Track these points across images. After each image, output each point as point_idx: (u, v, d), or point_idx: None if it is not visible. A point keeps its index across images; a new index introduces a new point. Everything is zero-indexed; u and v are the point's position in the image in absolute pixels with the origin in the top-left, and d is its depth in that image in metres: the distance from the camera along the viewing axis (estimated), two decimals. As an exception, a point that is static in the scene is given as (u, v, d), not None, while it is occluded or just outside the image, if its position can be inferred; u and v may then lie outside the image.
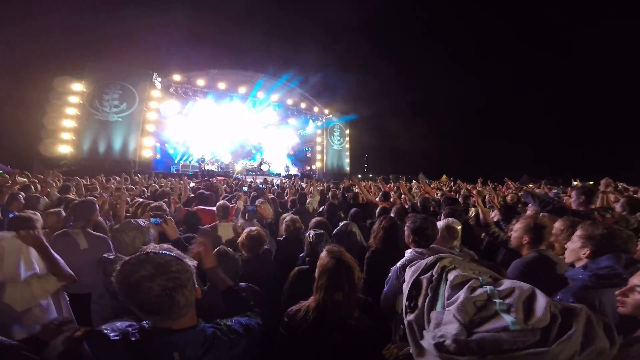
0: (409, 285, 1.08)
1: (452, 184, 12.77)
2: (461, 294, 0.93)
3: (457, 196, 7.05)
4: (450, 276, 1.01)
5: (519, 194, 4.36)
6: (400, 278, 1.71)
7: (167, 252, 1.03)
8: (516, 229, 2.24)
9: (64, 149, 15.10)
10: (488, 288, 0.93)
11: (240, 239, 2.68)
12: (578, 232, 1.73)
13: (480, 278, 0.99)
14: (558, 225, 2.31)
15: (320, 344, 1.48)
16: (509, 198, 5.71)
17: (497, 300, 0.90)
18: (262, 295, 2.08)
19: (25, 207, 3.54)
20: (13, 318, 1.59)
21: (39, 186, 5.14)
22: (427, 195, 5.86)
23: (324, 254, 1.70)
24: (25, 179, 6.72)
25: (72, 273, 1.89)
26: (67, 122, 15.28)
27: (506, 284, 0.97)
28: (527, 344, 0.84)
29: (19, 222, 2.25)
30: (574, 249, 1.72)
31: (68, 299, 1.92)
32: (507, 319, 0.85)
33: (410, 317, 1.02)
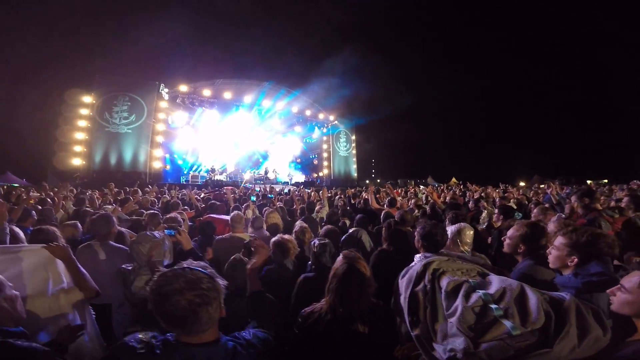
0: (407, 299, 1.13)
1: (461, 186, 12.68)
2: (458, 305, 0.97)
3: (465, 199, 7.02)
4: (443, 283, 1.06)
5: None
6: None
7: (201, 270, 1.07)
8: (511, 236, 2.12)
9: (77, 162, 15.46)
10: (482, 293, 0.98)
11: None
12: (562, 240, 1.68)
13: (470, 280, 1.05)
14: (552, 227, 2.34)
15: (333, 345, 1.54)
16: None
17: (493, 306, 0.95)
18: (273, 301, 2.15)
19: (39, 222, 3.58)
20: (39, 327, 1.67)
21: (56, 199, 5.27)
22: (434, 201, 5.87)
23: (340, 257, 1.77)
24: (38, 194, 6.93)
25: (96, 287, 1.97)
26: (79, 134, 15.68)
27: (495, 283, 1.03)
28: (530, 346, 0.89)
29: (42, 235, 2.35)
30: (560, 256, 1.68)
31: (93, 312, 2.01)
32: (507, 324, 0.90)
33: (416, 331, 1.07)
